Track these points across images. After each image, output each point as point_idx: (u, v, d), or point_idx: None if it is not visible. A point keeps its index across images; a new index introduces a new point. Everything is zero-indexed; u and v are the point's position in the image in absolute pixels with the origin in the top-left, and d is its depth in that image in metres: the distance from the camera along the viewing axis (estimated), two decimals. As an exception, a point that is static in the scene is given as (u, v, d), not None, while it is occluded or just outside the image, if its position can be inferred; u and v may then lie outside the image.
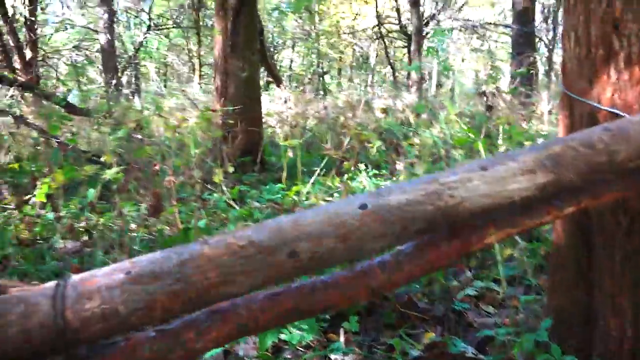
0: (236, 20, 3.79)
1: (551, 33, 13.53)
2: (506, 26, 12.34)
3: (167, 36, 15.91)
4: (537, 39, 11.39)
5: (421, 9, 12.41)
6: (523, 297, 1.62)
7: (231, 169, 3.26)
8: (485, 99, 3.91)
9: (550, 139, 1.93)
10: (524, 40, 9.83)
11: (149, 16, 14.23)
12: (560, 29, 14.90)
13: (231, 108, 3.61)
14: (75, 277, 0.78)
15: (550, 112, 5.07)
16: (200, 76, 12.82)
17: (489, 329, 1.47)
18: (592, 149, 0.98)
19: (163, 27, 14.83)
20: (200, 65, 12.96)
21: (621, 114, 1.25)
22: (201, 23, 13.10)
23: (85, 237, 2.72)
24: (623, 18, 1.25)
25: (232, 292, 0.82)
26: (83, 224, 2.80)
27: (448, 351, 1.36)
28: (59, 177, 2.73)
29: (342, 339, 1.50)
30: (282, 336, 1.44)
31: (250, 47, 4.02)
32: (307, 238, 0.83)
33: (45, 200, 2.78)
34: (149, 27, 14.11)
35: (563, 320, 1.36)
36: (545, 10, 13.78)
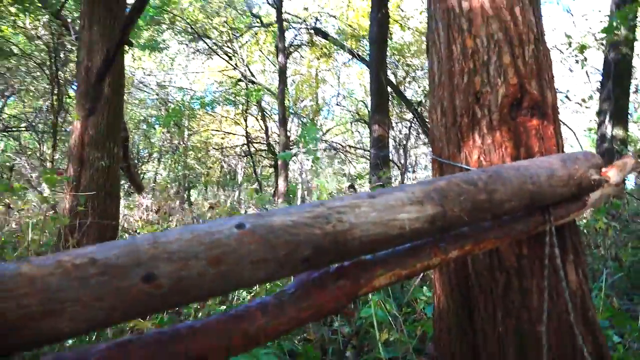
0: (99, 106, 3.59)
1: (402, 160, 15.08)
2: (365, 150, 13.49)
3: (16, 139, 14.73)
4: (391, 163, 12.55)
5: (288, 133, 13.22)
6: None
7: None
8: (352, 190, 4.06)
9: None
10: (380, 163, 10.80)
11: (-1, 117, 13.18)
12: (411, 158, 16.71)
13: (82, 194, 3.26)
14: None
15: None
16: (52, 181, 11.78)
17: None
18: (473, 186, 0.97)
19: (14, 129, 13.77)
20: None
21: (489, 173, 1.30)
22: (59, 128, 12.39)
23: None
24: (482, 90, 1.36)
25: (60, 328, 0.60)
26: None
27: None
28: None
29: None
30: None
31: (112, 138, 3.79)
32: (168, 258, 0.66)
33: None
34: (-4, 128, 13.00)
35: (450, 391, 1.26)
36: (397, 141, 15.45)
